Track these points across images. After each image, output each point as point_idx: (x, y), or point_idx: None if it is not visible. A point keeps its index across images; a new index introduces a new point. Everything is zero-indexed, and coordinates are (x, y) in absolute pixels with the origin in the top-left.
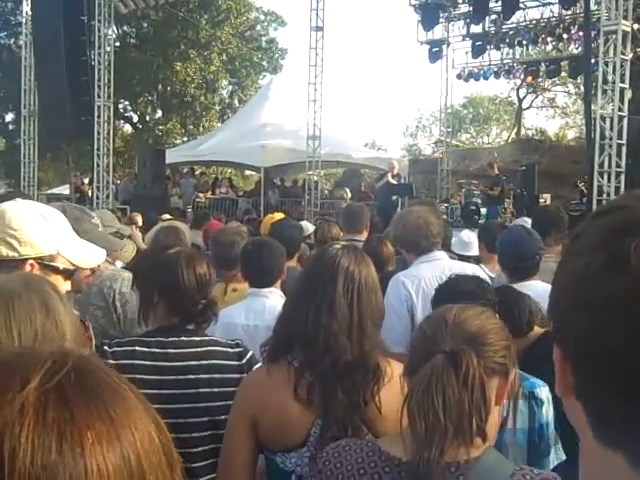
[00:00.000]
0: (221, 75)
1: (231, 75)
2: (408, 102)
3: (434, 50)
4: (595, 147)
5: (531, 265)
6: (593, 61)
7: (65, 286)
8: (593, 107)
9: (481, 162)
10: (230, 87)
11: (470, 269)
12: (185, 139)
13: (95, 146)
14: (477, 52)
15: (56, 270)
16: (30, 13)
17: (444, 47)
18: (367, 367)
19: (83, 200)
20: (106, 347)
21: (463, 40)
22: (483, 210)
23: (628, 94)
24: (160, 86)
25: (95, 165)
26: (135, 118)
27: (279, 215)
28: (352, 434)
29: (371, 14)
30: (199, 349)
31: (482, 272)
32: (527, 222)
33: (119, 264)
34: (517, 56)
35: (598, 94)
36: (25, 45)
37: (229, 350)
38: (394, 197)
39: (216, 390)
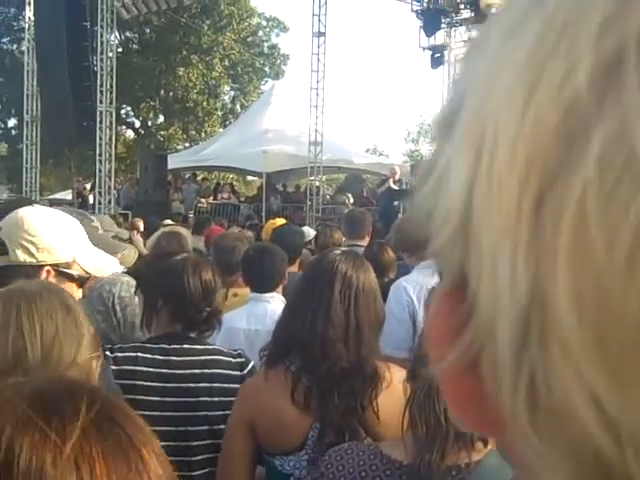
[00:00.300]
0: (223, 81)
1: (233, 81)
2: (410, 108)
3: (436, 56)
4: None
5: None
6: None
7: (78, 294)
8: None
9: None
10: (232, 92)
11: None
12: (187, 144)
13: (97, 151)
14: None
15: (71, 277)
16: (33, 18)
17: (446, 53)
18: (364, 373)
19: (85, 205)
20: (108, 352)
21: (465, 45)
22: None
23: None
24: (162, 91)
25: (97, 170)
26: (137, 123)
27: (280, 221)
28: (349, 438)
29: (373, 20)
30: (202, 357)
31: None
32: None
33: (120, 269)
34: None
35: None
36: (28, 50)
37: (231, 360)
38: (396, 202)
39: (216, 399)
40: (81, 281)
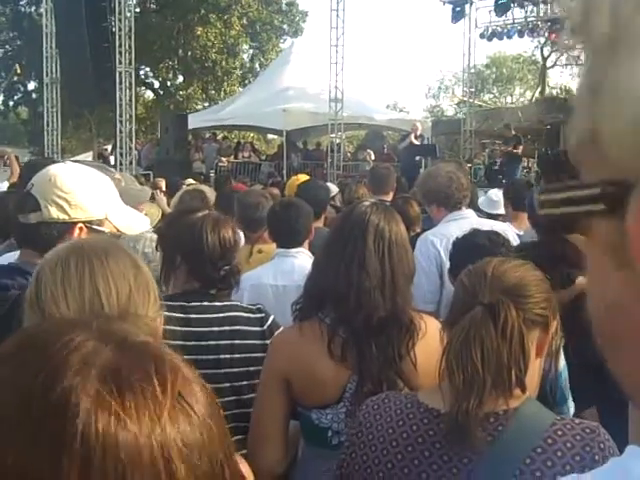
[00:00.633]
0: (242, 39)
1: (252, 39)
2: (430, 63)
3: (457, 9)
4: None
5: None
6: None
7: None
8: None
9: (504, 122)
10: (251, 51)
11: (499, 227)
12: (206, 104)
13: (117, 113)
14: (501, 10)
15: (103, 235)
16: None
17: (467, 6)
18: (401, 322)
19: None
20: None
21: None
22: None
23: None
24: (181, 51)
25: (117, 132)
26: (156, 84)
27: (303, 177)
28: (388, 389)
29: None
30: (221, 315)
31: (510, 230)
32: None
33: (149, 227)
34: (541, 14)
35: None
36: (46, 12)
37: (251, 316)
38: (417, 158)
39: (237, 356)
40: None
